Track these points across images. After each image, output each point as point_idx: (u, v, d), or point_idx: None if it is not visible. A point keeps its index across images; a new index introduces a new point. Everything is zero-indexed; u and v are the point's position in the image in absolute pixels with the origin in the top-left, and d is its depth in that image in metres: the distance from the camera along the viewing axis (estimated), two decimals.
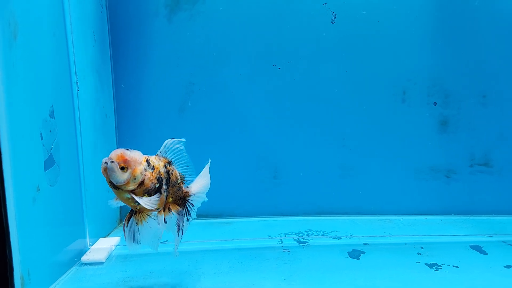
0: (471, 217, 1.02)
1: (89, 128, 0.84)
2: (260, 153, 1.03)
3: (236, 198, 1.04)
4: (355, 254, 0.78)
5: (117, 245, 0.84)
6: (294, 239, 0.87)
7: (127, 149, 0.55)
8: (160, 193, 0.58)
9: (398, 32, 1.00)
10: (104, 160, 0.53)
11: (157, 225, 0.60)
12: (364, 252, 0.78)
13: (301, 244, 0.84)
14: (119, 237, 0.87)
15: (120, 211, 1.03)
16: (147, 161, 0.56)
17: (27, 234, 0.59)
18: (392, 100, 1.02)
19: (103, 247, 0.80)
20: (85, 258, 0.75)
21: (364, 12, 0.99)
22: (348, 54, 1.00)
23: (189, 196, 0.64)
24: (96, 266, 0.74)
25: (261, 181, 1.04)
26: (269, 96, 1.01)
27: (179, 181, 0.62)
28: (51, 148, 0.67)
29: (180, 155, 0.62)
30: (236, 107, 1.01)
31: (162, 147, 0.60)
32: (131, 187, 0.54)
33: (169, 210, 0.61)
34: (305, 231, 0.92)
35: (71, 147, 0.76)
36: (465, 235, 0.89)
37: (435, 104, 1.02)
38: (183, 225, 0.63)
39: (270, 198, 1.04)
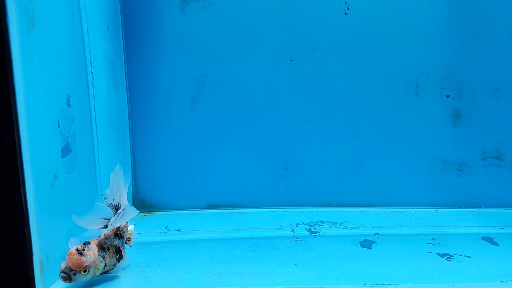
0: (482, 210, 1.02)
1: (103, 117, 0.86)
2: (272, 145, 1.03)
3: (248, 189, 1.05)
4: (366, 243, 0.78)
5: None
6: (306, 229, 0.87)
7: (79, 252, 0.59)
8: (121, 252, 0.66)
9: (411, 24, 0.99)
10: (63, 270, 0.58)
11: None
12: (376, 242, 0.79)
13: (313, 234, 0.84)
14: (133, 226, 0.88)
15: (133, 200, 1.04)
16: (101, 247, 0.62)
17: (45, 219, 0.60)
18: (404, 93, 1.01)
19: None
20: None
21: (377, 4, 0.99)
22: (360, 46, 1.00)
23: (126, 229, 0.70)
24: None
25: (272, 173, 1.04)
26: (281, 88, 1.02)
27: (127, 226, 0.68)
28: (68, 136, 0.69)
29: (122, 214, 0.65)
30: (248, 99, 1.02)
31: (109, 224, 0.64)
32: (99, 274, 0.62)
33: (128, 240, 0.70)
34: (316, 221, 0.93)
35: (87, 135, 0.78)
36: (477, 226, 0.89)
37: (447, 97, 1.02)
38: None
39: (281, 189, 1.05)
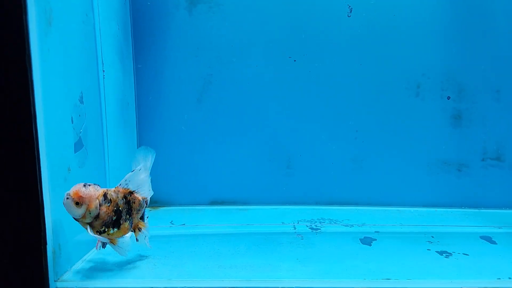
0: (482, 210, 1.04)
1: (113, 114, 0.88)
2: (275, 143, 1.06)
3: (251, 187, 1.07)
4: (367, 240, 0.80)
5: None
6: (307, 226, 0.90)
7: (85, 185, 0.60)
8: (120, 224, 0.64)
9: (413, 26, 1.01)
10: (66, 193, 0.59)
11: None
12: (376, 239, 0.81)
13: (314, 231, 0.87)
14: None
15: None
16: (105, 195, 0.62)
17: (59, 212, 0.63)
18: (406, 94, 1.03)
19: None
20: None
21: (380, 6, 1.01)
22: (363, 47, 1.02)
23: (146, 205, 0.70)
24: None
25: (275, 171, 1.07)
26: (284, 88, 1.04)
27: (143, 207, 0.68)
28: (80, 132, 0.71)
29: (141, 184, 0.66)
30: (252, 98, 1.04)
31: (123, 180, 0.65)
32: (88, 220, 0.61)
33: (139, 229, 0.68)
34: (317, 219, 0.95)
35: (97, 132, 0.80)
36: (476, 226, 0.91)
37: (448, 98, 1.03)
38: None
39: (283, 187, 1.07)
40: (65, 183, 0.65)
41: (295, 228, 0.88)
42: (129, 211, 0.65)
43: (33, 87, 0.56)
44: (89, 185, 0.60)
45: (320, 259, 0.71)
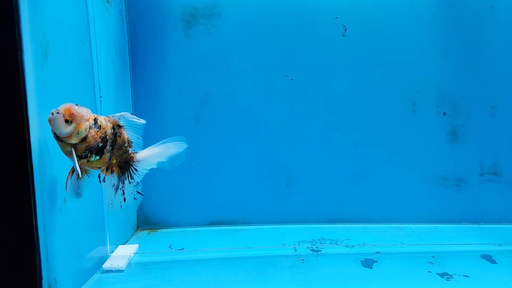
0: (482, 225, 1.04)
1: None
2: (274, 161, 1.05)
3: (250, 206, 1.06)
4: (368, 263, 0.80)
5: (135, 253, 0.87)
6: (308, 248, 0.89)
7: (77, 105, 0.57)
8: (103, 153, 0.61)
9: (407, 44, 1.02)
10: (52, 110, 0.55)
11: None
12: (377, 261, 0.81)
13: (315, 253, 0.86)
14: (137, 244, 0.90)
15: (137, 218, 1.06)
16: (95, 119, 0.59)
17: (53, 243, 0.62)
18: (402, 111, 1.04)
19: (122, 255, 0.83)
20: (106, 265, 0.78)
21: (376, 26, 1.01)
22: (359, 65, 1.03)
23: (133, 161, 0.66)
24: (117, 273, 0.77)
25: (274, 189, 1.06)
26: (281, 106, 1.04)
27: (125, 145, 0.64)
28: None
29: (134, 127, 0.65)
30: (249, 117, 1.04)
31: (118, 114, 0.63)
32: (73, 141, 0.57)
33: (112, 171, 0.65)
34: (318, 239, 0.95)
35: None
36: (476, 244, 0.91)
37: (444, 114, 1.04)
38: (121, 187, 0.67)
39: (283, 205, 1.07)
40: (60, 214, 0.64)
41: (295, 251, 0.88)
42: (113, 144, 0.62)
43: (28, 121, 0.55)
44: (80, 105, 0.58)
45: (320, 285, 0.70)
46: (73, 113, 0.56)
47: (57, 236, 0.63)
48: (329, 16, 1.01)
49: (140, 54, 1.02)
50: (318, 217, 1.07)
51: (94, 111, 0.79)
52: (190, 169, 1.05)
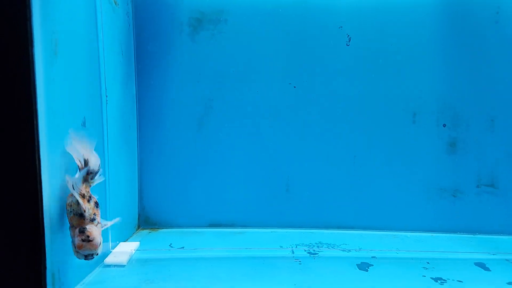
0: (477, 236, 1.05)
1: (114, 138, 0.90)
2: (274, 167, 1.07)
3: (249, 209, 1.08)
4: (363, 266, 0.81)
5: (137, 249, 0.88)
6: (305, 250, 0.90)
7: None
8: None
9: (410, 55, 1.04)
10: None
11: None
12: (372, 265, 0.82)
13: (312, 255, 0.87)
14: (138, 242, 0.91)
15: (138, 218, 1.08)
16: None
17: (57, 237, 0.64)
18: (403, 121, 1.06)
19: (124, 251, 0.84)
20: (108, 260, 0.80)
21: (378, 37, 1.04)
22: (361, 75, 1.05)
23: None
24: (118, 268, 0.78)
25: (274, 194, 1.08)
26: (284, 113, 1.06)
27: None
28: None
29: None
30: (252, 123, 1.06)
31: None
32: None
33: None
34: (315, 243, 0.96)
35: (99, 154, 0.81)
36: (470, 252, 0.92)
37: (444, 126, 1.06)
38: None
39: (282, 210, 1.08)
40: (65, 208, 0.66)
41: (293, 253, 0.89)
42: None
43: (37, 115, 0.58)
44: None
45: (316, 285, 0.72)
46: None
47: (61, 231, 0.65)
48: (334, 25, 1.04)
49: (145, 57, 1.04)
50: (316, 223, 1.08)
51: (100, 110, 0.82)
52: (192, 172, 1.07)
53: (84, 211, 0.64)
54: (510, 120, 1.05)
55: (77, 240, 0.63)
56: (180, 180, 1.07)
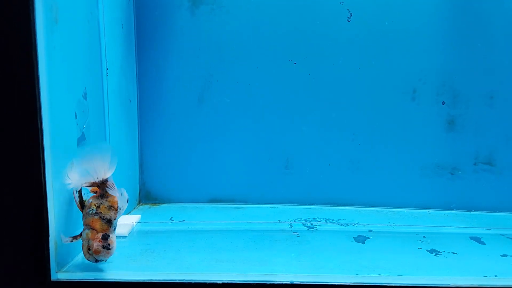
0: (473, 213, 1.06)
1: (115, 111, 0.90)
2: (274, 144, 1.08)
3: (249, 186, 1.09)
4: (360, 239, 0.83)
5: (138, 222, 0.90)
6: (303, 224, 0.92)
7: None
8: None
9: (410, 32, 1.04)
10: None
11: None
12: (369, 238, 0.83)
13: (310, 229, 0.89)
14: (139, 215, 0.93)
15: (139, 193, 1.09)
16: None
17: (61, 205, 0.64)
18: (402, 98, 1.06)
19: (125, 223, 0.86)
20: None
21: (380, 14, 1.03)
22: (362, 52, 1.05)
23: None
24: (120, 239, 0.79)
25: (273, 171, 1.09)
26: (284, 90, 1.06)
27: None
28: (83, 127, 0.73)
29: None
30: (252, 99, 1.07)
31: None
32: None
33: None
34: (313, 218, 0.97)
35: (100, 127, 0.82)
36: (466, 227, 0.94)
37: (443, 103, 1.06)
38: None
39: (281, 187, 1.09)
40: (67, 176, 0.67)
41: (291, 226, 0.90)
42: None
43: (39, 83, 0.58)
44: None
45: (314, 255, 0.73)
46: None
47: (64, 199, 0.66)
48: (335, 0, 1.03)
49: (145, 31, 1.04)
50: (314, 199, 1.10)
51: (100, 82, 0.82)
52: (192, 147, 1.08)
53: (114, 218, 0.63)
54: (509, 98, 1.05)
55: (97, 245, 0.61)
56: (180, 155, 1.08)
